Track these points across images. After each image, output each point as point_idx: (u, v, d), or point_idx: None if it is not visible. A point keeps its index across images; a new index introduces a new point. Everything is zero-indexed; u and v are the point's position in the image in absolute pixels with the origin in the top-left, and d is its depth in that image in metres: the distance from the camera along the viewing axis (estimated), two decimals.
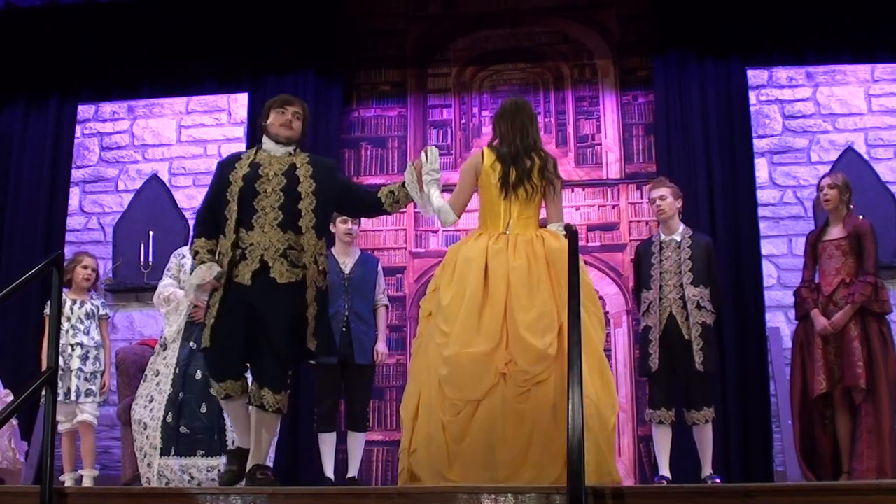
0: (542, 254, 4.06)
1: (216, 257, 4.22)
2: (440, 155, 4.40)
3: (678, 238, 5.57)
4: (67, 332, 5.77)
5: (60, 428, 5.76)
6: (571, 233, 3.78)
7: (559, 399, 3.76)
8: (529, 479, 3.74)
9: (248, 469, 4.19)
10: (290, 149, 4.35)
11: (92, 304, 5.93)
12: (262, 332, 4.11)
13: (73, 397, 5.67)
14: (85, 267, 5.92)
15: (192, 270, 4.36)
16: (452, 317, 3.99)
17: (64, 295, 5.84)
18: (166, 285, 5.52)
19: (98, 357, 5.82)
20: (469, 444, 3.86)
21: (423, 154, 4.32)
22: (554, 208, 4.31)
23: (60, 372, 5.64)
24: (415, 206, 4.54)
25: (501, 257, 4.06)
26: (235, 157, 4.40)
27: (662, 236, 5.62)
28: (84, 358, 5.75)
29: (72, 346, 5.76)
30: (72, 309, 5.83)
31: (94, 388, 5.75)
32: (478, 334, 3.92)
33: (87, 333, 5.82)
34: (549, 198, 4.29)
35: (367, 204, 4.47)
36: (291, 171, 4.26)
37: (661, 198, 5.57)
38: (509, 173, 4.19)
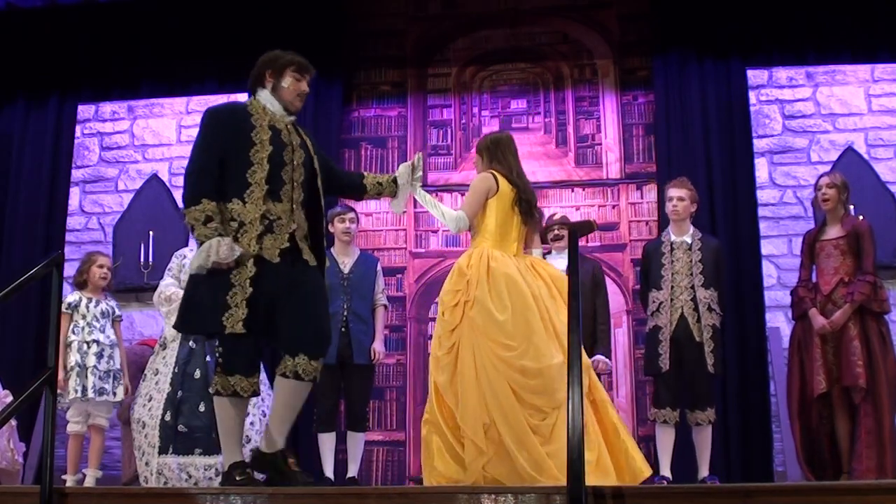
0: (548, 278, 4.36)
1: (226, 227, 3.72)
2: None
3: (689, 240, 5.59)
4: (83, 329, 5.75)
5: (71, 429, 5.73)
6: (572, 229, 3.78)
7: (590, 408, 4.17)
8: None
9: (271, 452, 3.86)
10: (293, 119, 4.04)
11: (107, 304, 5.92)
12: (280, 310, 3.75)
13: (90, 395, 5.64)
14: (101, 266, 5.92)
15: (198, 242, 3.71)
16: (515, 331, 4.15)
17: (79, 294, 5.87)
18: (167, 285, 5.52)
19: (112, 356, 5.78)
20: (562, 447, 3.99)
21: (416, 158, 4.38)
22: (536, 237, 4.64)
23: (77, 369, 5.63)
24: (416, 206, 4.54)
25: (529, 277, 4.31)
26: (242, 112, 3.93)
27: (672, 237, 5.63)
28: (99, 356, 5.72)
29: (87, 343, 5.73)
30: (87, 307, 5.81)
31: (107, 386, 5.71)
32: (550, 347, 4.16)
33: (103, 331, 5.80)
34: (534, 228, 4.61)
35: (351, 185, 4.34)
36: (305, 144, 3.99)
37: (680, 199, 5.59)
38: (521, 202, 4.46)
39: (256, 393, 3.86)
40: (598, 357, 5.48)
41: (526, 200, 4.46)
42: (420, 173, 4.36)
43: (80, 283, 5.91)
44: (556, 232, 5.62)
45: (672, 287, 5.51)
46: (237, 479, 3.74)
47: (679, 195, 5.60)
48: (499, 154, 4.55)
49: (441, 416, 4.25)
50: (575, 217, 6.95)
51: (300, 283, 3.80)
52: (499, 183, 4.44)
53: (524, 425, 4.05)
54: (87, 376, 5.65)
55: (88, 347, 5.72)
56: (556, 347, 4.15)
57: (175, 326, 3.87)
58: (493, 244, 4.39)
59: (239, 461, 3.82)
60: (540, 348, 4.12)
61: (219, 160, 3.79)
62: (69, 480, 5.64)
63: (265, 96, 4.02)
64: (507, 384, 4.10)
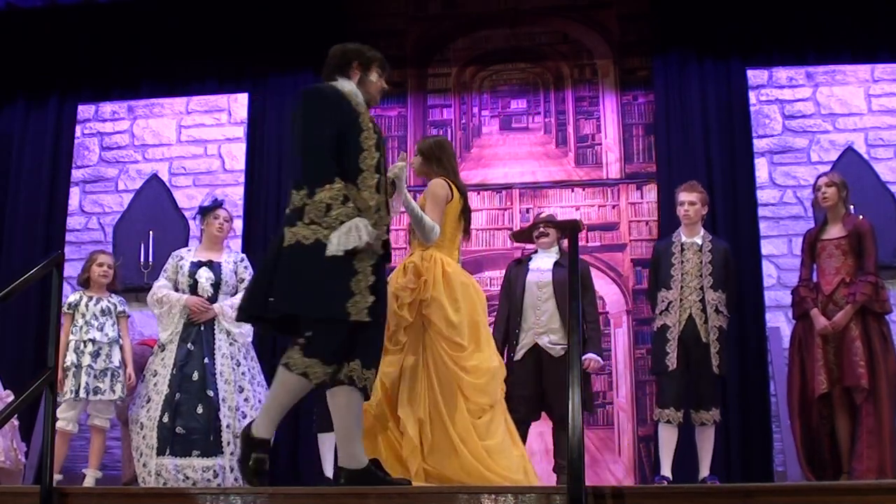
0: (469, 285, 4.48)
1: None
2: None
3: (699, 241, 5.63)
4: (81, 328, 5.73)
5: (57, 425, 5.69)
6: (572, 230, 3.78)
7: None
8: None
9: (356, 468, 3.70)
10: None
11: (109, 302, 5.89)
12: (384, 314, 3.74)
13: (82, 394, 5.62)
14: (101, 264, 5.91)
15: (337, 221, 3.53)
16: (466, 333, 4.29)
17: (80, 293, 5.87)
18: (160, 286, 5.54)
19: (110, 354, 5.75)
20: (502, 441, 4.26)
21: (401, 159, 4.35)
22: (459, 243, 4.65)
23: (74, 369, 5.62)
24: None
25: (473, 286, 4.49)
26: (342, 95, 3.75)
27: (683, 238, 5.67)
28: (95, 354, 5.70)
29: (84, 342, 5.71)
30: (87, 306, 5.80)
31: (102, 385, 5.70)
32: (490, 348, 4.40)
33: (101, 330, 5.77)
34: (464, 237, 4.65)
35: None
36: None
37: (691, 203, 5.64)
38: (467, 210, 4.57)
39: (325, 384, 3.60)
40: (590, 356, 5.46)
41: (469, 210, 4.59)
42: (406, 173, 4.34)
43: (84, 282, 5.92)
44: (541, 229, 5.60)
45: (682, 287, 5.55)
46: (251, 464, 3.56)
47: (690, 199, 5.64)
48: (444, 159, 4.55)
49: (388, 410, 4.29)
50: (565, 216, 6.96)
51: (385, 281, 3.77)
52: (453, 191, 4.47)
53: (468, 422, 4.18)
54: (81, 376, 5.64)
55: (84, 347, 5.70)
56: (493, 350, 4.42)
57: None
58: (444, 251, 4.43)
59: (266, 439, 3.61)
60: (485, 350, 4.33)
61: (336, 139, 3.62)
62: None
63: (350, 87, 3.82)
64: (454, 381, 4.21)
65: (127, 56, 7.67)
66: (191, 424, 5.17)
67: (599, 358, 5.56)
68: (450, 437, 4.12)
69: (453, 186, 4.48)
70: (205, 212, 5.72)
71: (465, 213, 4.53)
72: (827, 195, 5.51)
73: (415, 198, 4.41)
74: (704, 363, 5.46)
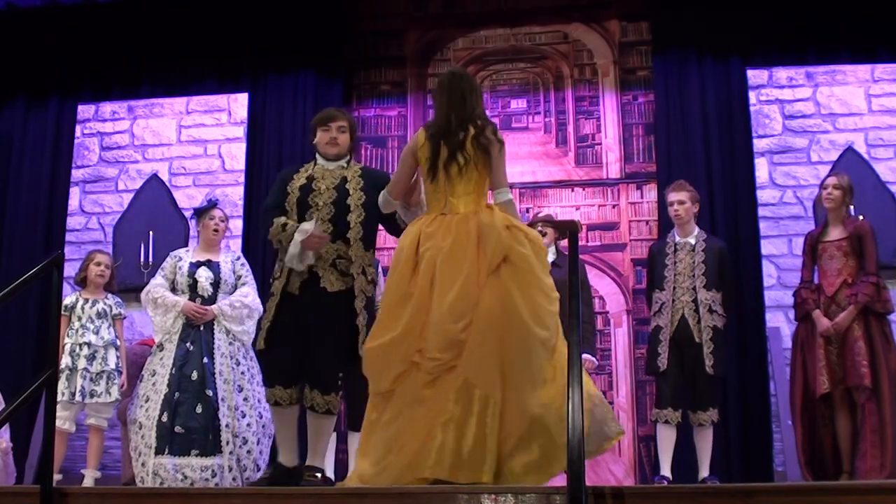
0: (474, 232, 3.76)
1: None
2: None
3: (692, 241, 5.61)
4: (77, 331, 5.72)
5: (56, 424, 5.65)
6: (571, 231, 3.76)
7: (462, 384, 3.63)
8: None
9: (299, 467, 4.36)
10: (342, 163, 4.50)
11: (105, 304, 5.87)
12: (312, 339, 4.27)
13: (78, 398, 5.61)
14: (98, 264, 5.89)
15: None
16: (382, 310, 3.91)
17: (76, 295, 5.86)
18: (156, 285, 5.51)
19: (106, 357, 5.74)
20: (384, 438, 3.69)
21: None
22: (494, 176, 3.90)
23: (68, 371, 5.61)
24: None
25: (434, 240, 3.80)
26: (293, 170, 4.60)
27: (677, 238, 5.66)
28: (91, 358, 5.68)
29: (80, 345, 5.70)
30: (83, 308, 5.79)
31: (98, 388, 5.69)
32: (394, 324, 3.77)
33: (97, 333, 5.75)
34: (486, 165, 3.88)
35: (399, 227, 4.31)
36: (342, 184, 4.41)
37: (680, 202, 5.61)
38: (440, 152, 3.87)
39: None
40: (584, 356, 5.45)
41: (445, 152, 3.95)
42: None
43: (80, 281, 5.90)
44: (539, 229, 5.59)
45: (674, 288, 5.54)
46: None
47: (679, 199, 5.62)
48: (434, 101, 4.28)
49: None
50: (574, 217, 6.97)
51: (317, 313, 4.40)
52: (418, 140, 4.04)
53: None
54: (76, 379, 5.62)
55: (80, 349, 5.69)
56: (402, 322, 3.79)
57: None
58: (429, 208, 4.04)
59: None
60: (379, 328, 3.91)
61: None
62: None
63: (316, 156, 4.61)
64: None
65: (127, 56, 7.67)
66: (190, 424, 5.16)
67: (594, 358, 5.56)
68: None
69: (420, 135, 4.03)
70: (200, 213, 5.71)
71: (435, 158, 3.93)
72: (832, 196, 5.50)
73: None
74: (698, 364, 5.45)
